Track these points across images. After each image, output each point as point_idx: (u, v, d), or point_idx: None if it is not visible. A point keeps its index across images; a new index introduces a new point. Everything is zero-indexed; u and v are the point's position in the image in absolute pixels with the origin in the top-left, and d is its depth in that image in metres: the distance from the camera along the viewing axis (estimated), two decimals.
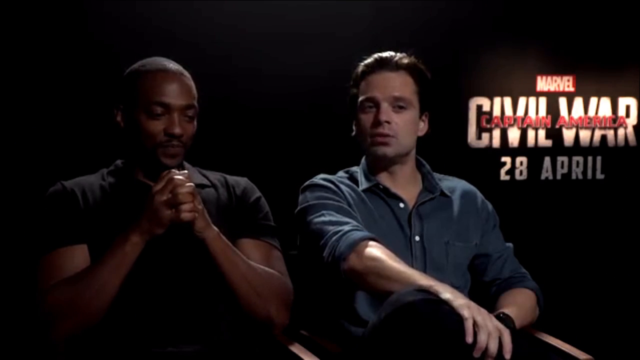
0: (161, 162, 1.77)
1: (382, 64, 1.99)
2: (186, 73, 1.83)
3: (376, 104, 1.96)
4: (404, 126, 1.96)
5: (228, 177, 1.95)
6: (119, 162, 1.89)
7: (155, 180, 1.73)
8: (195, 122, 1.83)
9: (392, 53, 2.01)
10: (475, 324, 1.52)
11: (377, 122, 1.95)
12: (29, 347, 1.79)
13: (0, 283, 2.43)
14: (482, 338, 1.50)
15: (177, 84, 1.78)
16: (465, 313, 1.54)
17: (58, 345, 1.71)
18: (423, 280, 1.66)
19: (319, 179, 2.03)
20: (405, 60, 1.99)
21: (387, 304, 1.62)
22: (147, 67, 1.80)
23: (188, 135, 1.79)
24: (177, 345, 1.71)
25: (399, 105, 1.96)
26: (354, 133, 2.04)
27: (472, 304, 1.59)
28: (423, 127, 2.04)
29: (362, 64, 2.02)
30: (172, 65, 1.82)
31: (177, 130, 1.75)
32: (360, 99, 1.99)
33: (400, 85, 1.97)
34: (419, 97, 2.00)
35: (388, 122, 1.94)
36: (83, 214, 1.76)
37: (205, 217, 1.71)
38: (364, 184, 2.01)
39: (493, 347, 1.50)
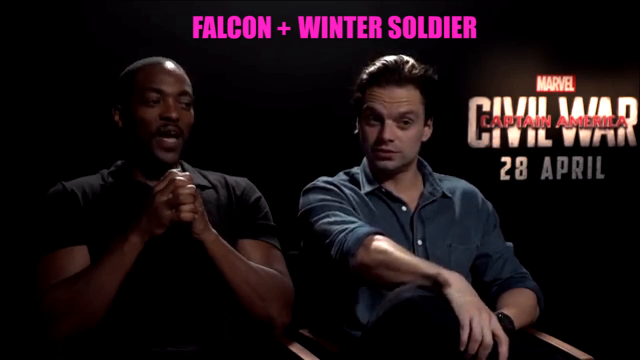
0: (157, 156, 1.76)
1: (388, 75, 1.91)
2: (180, 67, 1.85)
3: (380, 120, 1.92)
4: (408, 141, 1.93)
5: (228, 177, 1.94)
6: (119, 162, 1.89)
7: (153, 179, 1.74)
8: (192, 112, 1.83)
9: (398, 61, 1.93)
10: (470, 331, 1.52)
11: (380, 140, 1.92)
12: (28, 347, 1.79)
13: (0, 283, 2.43)
14: (472, 347, 1.51)
15: (170, 73, 1.80)
16: (464, 318, 1.53)
17: (56, 346, 1.71)
18: (431, 269, 1.65)
19: (320, 181, 2.01)
20: (414, 72, 1.92)
21: (386, 300, 1.62)
22: (141, 63, 1.83)
23: (185, 123, 1.79)
24: (176, 345, 1.71)
25: (404, 121, 1.91)
26: (356, 131, 2.02)
27: (474, 303, 1.58)
28: (428, 131, 2.00)
29: (367, 71, 1.95)
30: (165, 59, 1.84)
31: (173, 114, 1.75)
32: (364, 110, 1.94)
33: (406, 101, 1.91)
34: (425, 108, 1.95)
35: (392, 140, 1.92)
36: (83, 214, 1.76)
37: (205, 220, 1.70)
38: (366, 187, 2.00)
39: (483, 356, 1.51)
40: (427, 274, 1.63)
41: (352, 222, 1.84)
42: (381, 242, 1.76)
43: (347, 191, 1.98)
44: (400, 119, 1.92)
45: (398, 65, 1.92)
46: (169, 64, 1.82)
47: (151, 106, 1.76)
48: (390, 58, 1.95)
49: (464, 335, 1.52)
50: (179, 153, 1.81)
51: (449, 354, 1.52)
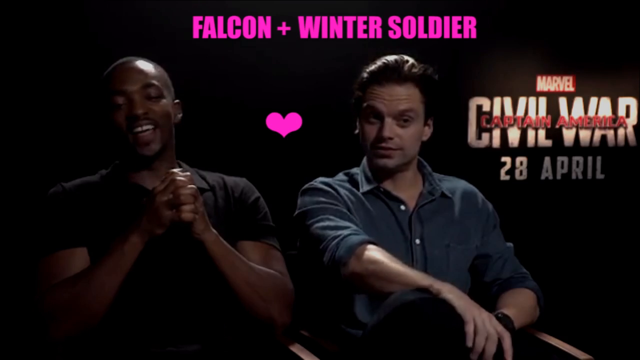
0: (138, 152, 1.77)
1: (389, 74, 1.92)
2: (145, 60, 1.83)
3: (380, 118, 1.92)
4: (408, 139, 1.93)
5: (226, 178, 1.94)
6: (117, 162, 1.88)
7: (145, 176, 1.78)
8: (164, 102, 1.80)
9: (398, 60, 1.94)
10: (475, 327, 1.52)
11: (380, 138, 1.92)
12: (29, 348, 1.79)
13: (0, 283, 2.43)
14: (479, 342, 1.51)
15: (131, 70, 1.79)
16: (467, 316, 1.54)
17: (57, 346, 1.71)
18: (423, 280, 1.66)
19: (318, 182, 2.01)
20: (414, 70, 1.93)
21: (387, 303, 1.62)
22: (109, 69, 1.82)
23: (157, 114, 1.77)
24: (176, 345, 1.71)
25: (404, 119, 1.92)
26: (356, 131, 2.02)
27: (473, 304, 1.59)
28: (428, 131, 2.01)
29: (368, 70, 1.96)
30: (130, 57, 1.83)
31: (138, 111, 1.74)
32: (364, 108, 1.94)
33: (406, 99, 1.91)
34: (425, 107, 1.95)
35: (391, 138, 1.92)
36: (83, 215, 1.76)
37: (205, 220, 1.70)
38: (365, 187, 2.00)
39: (491, 350, 1.51)
40: (420, 285, 1.64)
41: (346, 228, 1.84)
42: (373, 252, 1.76)
43: (343, 192, 1.98)
44: (400, 117, 1.92)
45: (398, 64, 1.93)
46: (132, 62, 1.81)
47: (119, 109, 1.76)
48: (391, 57, 1.96)
49: (470, 330, 1.52)
50: (161, 143, 1.79)
51: (451, 355, 1.53)
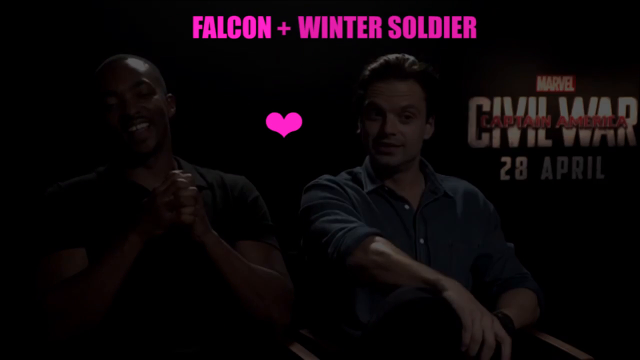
0: (134, 150, 1.76)
1: (390, 70, 1.93)
2: (135, 57, 1.82)
3: (382, 114, 1.92)
4: (410, 136, 1.93)
5: (225, 176, 1.93)
6: (113, 159, 1.88)
7: (141, 174, 1.78)
8: (156, 97, 1.79)
9: (400, 57, 1.95)
10: (472, 335, 1.52)
11: (382, 134, 1.92)
12: (29, 348, 1.79)
13: (0, 283, 2.43)
14: (472, 349, 1.51)
15: (120, 69, 1.78)
16: (466, 320, 1.54)
17: (57, 347, 1.71)
18: (430, 274, 1.65)
19: (323, 179, 2.01)
20: (415, 67, 1.94)
21: (387, 301, 1.61)
22: (98, 68, 1.81)
23: (149, 111, 1.76)
24: (176, 347, 1.71)
25: (405, 115, 1.92)
26: (358, 131, 2.02)
27: (476, 306, 1.58)
28: (429, 129, 2.01)
29: (370, 67, 1.97)
30: (119, 55, 1.82)
31: (130, 111, 1.73)
32: (366, 105, 1.95)
33: (408, 95, 1.92)
34: (426, 104, 1.96)
35: (394, 134, 1.93)
36: (82, 214, 1.76)
37: (206, 222, 1.69)
38: (368, 186, 2.00)
39: (486, 358, 1.52)
40: (427, 279, 1.63)
41: (352, 222, 1.84)
42: (380, 244, 1.76)
43: (349, 190, 1.98)
44: (402, 113, 1.92)
45: (399, 61, 1.94)
46: (121, 61, 1.80)
47: (112, 109, 1.75)
48: (392, 55, 1.97)
49: (466, 337, 1.52)
50: (156, 139, 1.78)
51: (450, 355, 1.52)
